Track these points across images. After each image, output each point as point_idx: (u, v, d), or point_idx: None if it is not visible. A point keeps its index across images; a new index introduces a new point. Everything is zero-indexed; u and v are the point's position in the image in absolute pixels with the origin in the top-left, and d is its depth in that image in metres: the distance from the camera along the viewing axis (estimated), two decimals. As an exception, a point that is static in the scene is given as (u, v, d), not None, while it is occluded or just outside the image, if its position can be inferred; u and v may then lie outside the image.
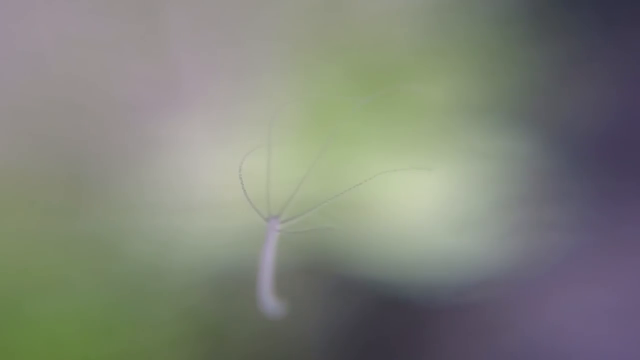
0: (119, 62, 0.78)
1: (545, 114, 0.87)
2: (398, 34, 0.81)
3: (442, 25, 0.83)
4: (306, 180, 0.71)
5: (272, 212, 0.70)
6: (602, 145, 0.90)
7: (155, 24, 0.78)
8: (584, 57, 0.87)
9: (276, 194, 0.71)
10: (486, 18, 0.83)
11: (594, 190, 0.88)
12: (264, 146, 0.72)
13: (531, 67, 0.85)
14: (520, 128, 0.85)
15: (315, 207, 0.72)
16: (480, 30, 0.83)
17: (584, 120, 0.87)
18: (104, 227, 0.79)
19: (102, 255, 0.80)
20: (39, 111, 0.79)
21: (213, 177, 0.77)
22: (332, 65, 0.80)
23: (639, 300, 0.89)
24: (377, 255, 0.81)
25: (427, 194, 0.81)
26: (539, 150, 0.85)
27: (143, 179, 0.79)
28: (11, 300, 0.80)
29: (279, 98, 0.78)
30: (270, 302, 0.67)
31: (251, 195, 0.71)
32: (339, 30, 0.80)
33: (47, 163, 0.80)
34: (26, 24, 0.77)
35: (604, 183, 0.88)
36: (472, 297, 0.84)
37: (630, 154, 0.90)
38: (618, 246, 0.90)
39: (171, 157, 0.79)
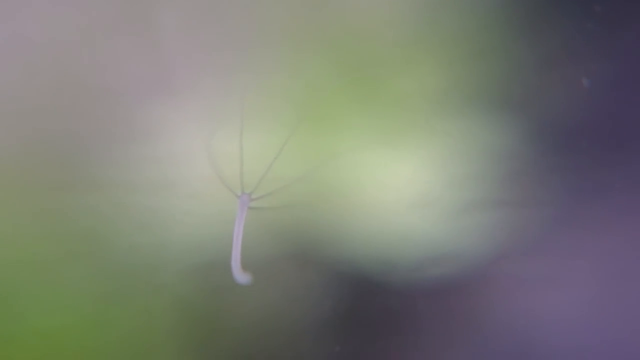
0: (111, 51, 0.81)
1: (513, 98, 0.90)
2: (380, 23, 0.84)
3: (425, 14, 0.86)
4: (278, 162, 0.76)
5: (245, 189, 0.75)
6: (561, 126, 0.94)
7: (146, 13, 0.81)
8: (552, 45, 0.90)
9: (249, 174, 0.75)
10: (470, 8, 0.86)
11: (548, 168, 0.91)
12: (236, 123, 0.76)
13: (506, 53, 0.89)
14: (483, 111, 0.89)
15: (284, 184, 0.76)
16: (463, 19, 0.86)
17: (546, 102, 0.90)
18: (95, 218, 0.82)
19: (93, 246, 0.82)
20: (30, 100, 0.81)
21: (196, 162, 0.80)
22: (317, 55, 0.83)
23: (599, 275, 0.91)
24: (349, 236, 0.85)
25: (393, 175, 0.85)
26: (498, 131, 0.88)
27: (132, 164, 0.82)
28: (3, 292, 0.82)
29: (264, 87, 0.81)
30: (239, 272, 0.73)
31: (225, 175, 0.76)
32: (326, 22, 0.83)
33: (37, 152, 0.81)
34: (20, 13, 0.79)
35: (558, 161, 0.91)
36: (429, 274, 0.87)
37: (586, 132, 0.92)
38: (573, 223, 0.93)
39: (159, 143, 0.82)
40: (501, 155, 0.88)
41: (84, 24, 0.80)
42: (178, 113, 0.82)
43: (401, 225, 0.85)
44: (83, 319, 0.83)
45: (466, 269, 0.88)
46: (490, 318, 0.89)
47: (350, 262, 0.84)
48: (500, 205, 0.88)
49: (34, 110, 0.81)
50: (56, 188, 0.82)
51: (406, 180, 0.85)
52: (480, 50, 0.87)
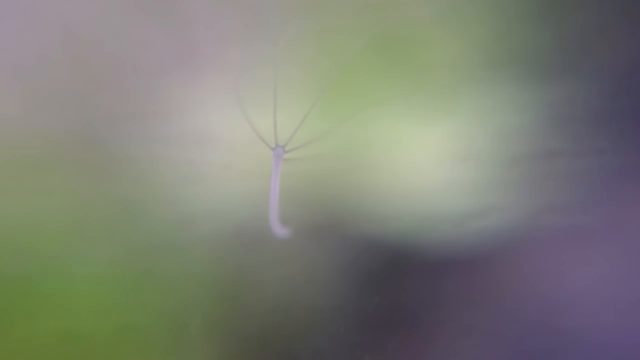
0: (136, 27, 0.82)
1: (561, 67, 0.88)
2: None
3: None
4: (311, 117, 0.76)
5: (279, 143, 0.76)
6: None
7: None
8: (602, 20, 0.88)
9: (283, 128, 0.76)
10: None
11: (602, 114, 0.89)
12: (267, 84, 0.77)
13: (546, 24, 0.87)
14: (532, 64, 0.87)
15: (317, 137, 0.77)
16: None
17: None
18: (123, 190, 0.83)
19: (122, 217, 0.84)
20: (54, 85, 0.84)
21: (225, 134, 0.82)
22: (344, 29, 0.83)
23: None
24: (386, 191, 0.84)
25: (434, 127, 0.85)
26: (545, 80, 0.87)
27: (158, 140, 0.83)
28: (28, 272, 0.83)
29: (293, 55, 0.82)
30: (277, 225, 0.74)
31: (259, 129, 0.77)
32: None
33: (62, 136, 0.84)
34: (36, 4, 0.81)
35: (613, 106, 0.89)
36: (472, 228, 0.86)
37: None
38: (632, 172, 0.90)
39: (185, 118, 0.83)
40: (551, 104, 0.86)
41: (108, 4, 0.82)
42: (206, 85, 0.83)
43: (442, 178, 0.84)
44: (107, 293, 0.85)
45: (512, 224, 0.86)
46: (537, 274, 0.88)
47: (388, 217, 0.84)
48: (551, 155, 0.86)
49: (62, 90, 0.83)
50: (91, 173, 0.84)
51: (448, 132, 0.84)
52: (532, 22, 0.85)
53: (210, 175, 0.83)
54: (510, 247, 0.86)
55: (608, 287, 0.87)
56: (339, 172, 0.82)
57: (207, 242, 0.83)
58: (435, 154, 0.84)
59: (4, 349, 0.83)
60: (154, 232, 0.84)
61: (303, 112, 0.77)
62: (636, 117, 0.88)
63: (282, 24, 0.82)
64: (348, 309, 0.85)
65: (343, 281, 0.85)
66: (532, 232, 0.87)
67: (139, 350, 0.83)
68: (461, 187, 0.85)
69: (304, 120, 0.77)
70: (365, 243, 0.84)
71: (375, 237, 0.84)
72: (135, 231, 0.84)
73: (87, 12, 0.82)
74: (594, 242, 0.89)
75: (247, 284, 0.85)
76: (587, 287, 0.88)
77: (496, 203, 0.86)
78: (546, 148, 0.86)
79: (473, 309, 0.86)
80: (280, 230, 0.74)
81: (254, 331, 0.84)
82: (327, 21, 0.83)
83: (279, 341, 0.85)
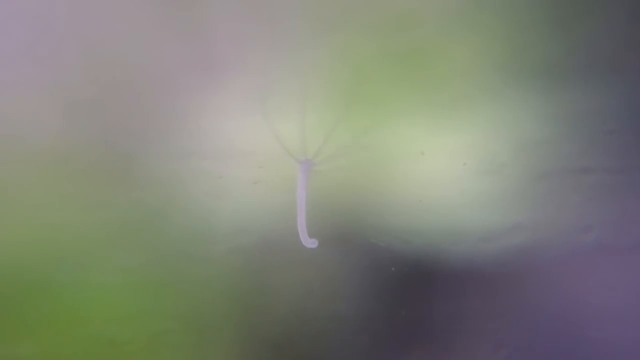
0: (156, 34, 0.83)
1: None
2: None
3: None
4: (336, 132, 0.77)
5: (307, 156, 0.77)
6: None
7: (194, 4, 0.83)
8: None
9: (309, 143, 0.77)
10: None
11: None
12: (291, 97, 0.78)
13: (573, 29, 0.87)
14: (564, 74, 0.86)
15: (343, 150, 0.78)
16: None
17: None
18: (145, 194, 0.84)
19: (149, 227, 0.85)
20: (80, 82, 0.85)
21: (246, 139, 0.82)
22: (363, 39, 0.84)
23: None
24: (411, 204, 0.84)
25: (459, 140, 0.85)
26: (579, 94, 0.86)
27: (179, 144, 0.84)
28: (53, 277, 0.84)
29: (311, 67, 0.82)
30: (306, 236, 0.76)
31: (287, 144, 0.78)
32: (369, 6, 0.84)
33: (91, 144, 0.85)
34: (70, 4, 0.82)
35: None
36: (500, 245, 0.85)
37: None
38: None
39: (206, 123, 0.84)
40: (582, 117, 0.85)
41: (131, 14, 0.83)
42: (230, 99, 0.84)
43: (469, 192, 0.84)
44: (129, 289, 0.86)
45: (539, 241, 0.85)
46: (564, 291, 0.87)
47: (411, 231, 0.84)
48: (583, 172, 0.85)
49: (85, 102, 0.84)
50: (113, 177, 0.85)
51: (473, 145, 0.84)
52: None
53: (236, 189, 0.83)
54: (536, 263, 0.85)
55: (634, 302, 0.86)
56: (363, 185, 0.83)
57: (232, 253, 0.84)
58: (460, 166, 0.83)
59: (37, 356, 0.84)
60: (179, 243, 0.84)
61: (326, 123, 0.78)
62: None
63: (304, 38, 0.83)
64: (371, 320, 0.85)
65: (366, 292, 0.85)
66: (559, 249, 0.86)
67: (164, 357, 0.84)
68: (487, 202, 0.84)
69: (331, 134, 0.77)
70: (389, 256, 0.84)
71: (399, 250, 0.84)
72: (161, 241, 0.85)
73: (109, 25, 0.83)
74: (624, 260, 0.88)
75: (270, 294, 0.85)
76: (615, 304, 0.87)
77: (522, 219, 0.85)
78: (576, 163, 0.85)
79: (497, 324, 0.86)
80: (308, 241, 0.75)
81: (276, 340, 0.85)
82: (348, 34, 0.83)
83: (301, 350, 0.85)
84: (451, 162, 0.83)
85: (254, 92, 0.81)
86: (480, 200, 0.84)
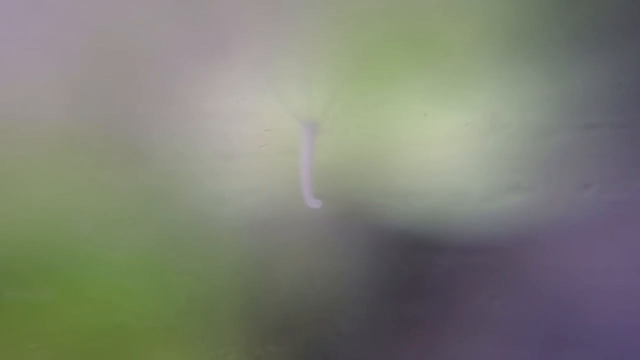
0: (168, 31, 0.83)
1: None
2: None
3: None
4: (341, 97, 0.78)
5: (312, 119, 0.78)
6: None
7: None
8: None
9: (314, 108, 0.78)
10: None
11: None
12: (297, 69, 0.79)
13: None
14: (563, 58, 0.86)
15: (349, 115, 0.79)
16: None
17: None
18: (156, 167, 0.84)
19: (151, 214, 0.85)
20: (96, 76, 0.85)
21: (252, 103, 0.83)
22: (364, 18, 0.83)
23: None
24: (416, 167, 0.85)
25: (462, 100, 0.85)
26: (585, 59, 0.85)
27: (189, 136, 0.85)
28: (65, 255, 0.85)
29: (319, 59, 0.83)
30: (310, 196, 0.78)
31: (293, 108, 0.79)
32: None
33: (101, 126, 0.84)
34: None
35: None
36: (502, 204, 0.85)
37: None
38: None
39: (216, 120, 0.85)
40: (588, 74, 0.84)
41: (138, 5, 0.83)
42: (235, 68, 0.84)
43: (471, 152, 0.84)
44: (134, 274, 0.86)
45: (543, 201, 0.86)
46: (569, 254, 0.87)
47: (415, 192, 0.84)
48: (587, 127, 0.84)
49: (91, 80, 0.84)
50: (125, 165, 0.85)
51: (476, 105, 0.84)
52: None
53: (244, 151, 0.85)
54: (537, 221, 0.86)
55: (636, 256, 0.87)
56: (367, 147, 0.84)
57: (238, 219, 0.85)
58: (462, 126, 0.84)
59: (46, 340, 0.85)
60: (188, 211, 0.85)
61: (331, 87, 0.79)
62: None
63: (309, 7, 0.83)
64: (374, 277, 0.86)
65: (369, 251, 0.86)
66: (560, 207, 0.86)
67: (170, 337, 0.85)
68: (489, 162, 0.84)
69: (335, 96, 0.79)
70: (393, 220, 0.85)
71: (402, 214, 0.85)
72: (170, 211, 0.86)
73: (115, 11, 0.84)
74: (625, 215, 0.88)
75: (273, 271, 0.87)
76: (614, 258, 0.87)
77: (524, 178, 0.85)
78: (579, 120, 0.84)
79: (494, 277, 0.87)
80: (312, 202, 0.77)
81: (283, 296, 0.86)
82: (352, 6, 0.84)
83: (307, 306, 0.88)
84: (453, 123, 0.84)
85: (260, 58, 0.82)
86: (482, 161, 0.84)
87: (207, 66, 0.84)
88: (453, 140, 0.84)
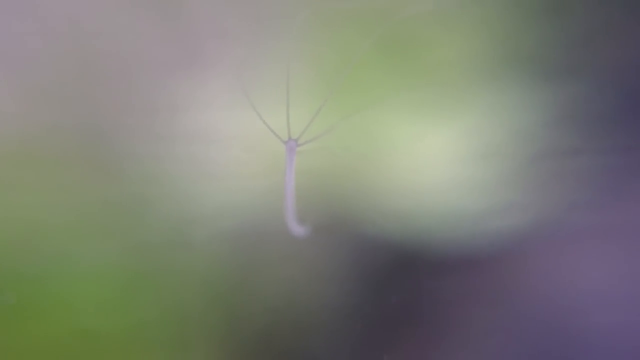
0: (138, 25, 0.81)
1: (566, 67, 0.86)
2: None
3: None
4: (322, 112, 0.75)
5: (292, 136, 0.74)
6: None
7: None
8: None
9: (294, 124, 0.75)
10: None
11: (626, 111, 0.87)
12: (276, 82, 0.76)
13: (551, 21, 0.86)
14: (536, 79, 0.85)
15: (329, 130, 0.75)
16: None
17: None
18: (127, 188, 0.82)
19: (125, 220, 0.83)
20: (57, 82, 0.83)
21: (232, 133, 0.80)
22: (348, 29, 0.82)
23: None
24: (402, 188, 0.82)
25: (441, 147, 0.83)
26: (568, 77, 0.85)
27: (165, 137, 0.82)
28: (35, 267, 0.83)
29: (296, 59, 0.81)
30: (294, 223, 0.72)
31: (271, 124, 0.75)
32: None
33: (67, 133, 0.82)
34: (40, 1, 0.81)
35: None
36: (494, 226, 0.84)
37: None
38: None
39: (190, 118, 0.82)
40: (569, 101, 0.85)
41: (106, 6, 0.82)
42: (213, 82, 0.82)
43: (458, 176, 0.83)
44: (107, 293, 0.83)
45: (530, 223, 0.84)
46: (555, 273, 0.86)
47: (403, 215, 0.82)
48: (574, 153, 0.84)
49: (67, 86, 0.82)
50: (95, 173, 0.83)
51: (463, 129, 0.83)
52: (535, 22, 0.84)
53: (219, 173, 0.81)
54: (527, 245, 0.84)
55: (628, 285, 0.86)
56: (353, 169, 0.81)
57: (214, 241, 0.82)
58: (450, 151, 0.82)
59: (15, 347, 0.82)
60: (161, 230, 0.82)
61: (311, 107, 0.76)
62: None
63: (289, 20, 0.81)
64: (362, 307, 0.83)
65: (356, 279, 0.83)
66: (550, 230, 0.85)
67: (144, 348, 0.82)
68: (478, 186, 0.83)
69: (317, 113, 0.75)
70: (380, 241, 0.83)
71: (390, 235, 0.82)
72: (141, 229, 0.82)
73: (91, 9, 0.81)
74: (614, 240, 0.87)
75: (254, 283, 0.83)
76: (606, 285, 0.86)
77: (514, 202, 0.84)
78: (564, 145, 0.84)
79: (490, 308, 0.85)
80: (297, 229, 0.72)
81: (260, 329, 0.83)
82: (335, 16, 0.82)
83: (285, 340, 0.84)
84: (442, 143, 0.82)
85: (236, 75, 0.79)
86: (471, 184, 0.83)
87: (182, 81, 0.81)
88: (441, 160, 0.82)
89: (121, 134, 0.82)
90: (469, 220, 0.82)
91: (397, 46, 0.83)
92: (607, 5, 0.84)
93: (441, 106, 0.83)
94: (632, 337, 0.85)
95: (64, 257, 0.82)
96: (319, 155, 0.77)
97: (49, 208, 0.82)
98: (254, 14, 0.81)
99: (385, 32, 0.81)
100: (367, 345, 0.84)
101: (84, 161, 0.82)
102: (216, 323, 0.83)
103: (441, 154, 0.82)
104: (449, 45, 0.82)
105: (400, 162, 0.82)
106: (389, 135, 0.82)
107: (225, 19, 0.81)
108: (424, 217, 0.82)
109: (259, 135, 0.77)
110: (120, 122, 0.82)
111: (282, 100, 0.75)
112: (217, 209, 0.81)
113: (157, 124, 0.82)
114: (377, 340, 0.84)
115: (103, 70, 0.82)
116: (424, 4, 0.81)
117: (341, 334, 0.83)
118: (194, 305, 0.83)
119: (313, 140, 0.73)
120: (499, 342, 0.84)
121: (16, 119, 0.82)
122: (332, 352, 0.84)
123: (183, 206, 0.81)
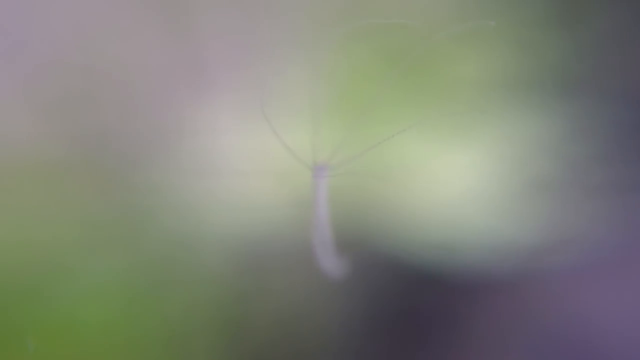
0: (142, 45, 0.78)
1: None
2: (428, 10, 0.80)
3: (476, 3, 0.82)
4: (348, 135, 0.71)
5: (317, 162, 0.68)
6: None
7: (178, 6, 0.78)
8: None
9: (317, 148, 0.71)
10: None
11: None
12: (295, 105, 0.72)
13: (571, 39, 0.84)
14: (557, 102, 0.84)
15: (358, 154, 0.71)
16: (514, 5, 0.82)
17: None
18: (129, 210, 0.79)
19: (126, 238, 0.79)
20: (60, 93, 0.79)
21: (240, 156, 0.77)
22: (360, 44, 0.79)
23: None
24: (412, 230, 0.80)
25: (464, 169, 0.80)
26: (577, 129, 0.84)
27: (168, 160, 0.79)
28: (36, 282, 0.80)
29: (305, 78, 0.77)
30: (329, 259, 0.59)
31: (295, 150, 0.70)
32: (366, 9, 0.80)
33: (70, 145, 0.79)
34: (44, 10, 0.78)
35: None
36: (509, 274, 0.82)
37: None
38: None
39: (196, 139, 0.79)
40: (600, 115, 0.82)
41: (112, 18, 0.78)
42: (218, 107, 0.79)
43: (481, 192, 0.81)
44: (110, 311, 0.80)
45: (556, 242, 0.82)
46: (567, 328, 0.84)
47: (426, 244, 0.79)
48: (624, 188, 0.82)
49: (71, 100, 0.79)
50: (97, 193, 0.79)
51: (488, 158, 0.80)
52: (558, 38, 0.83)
53: (230, 197, 0.78)
54: (551, 266, 0.83)
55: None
56: (386, 197, 0.77)
57: (218, 258, 0.78)
58: (470, 167, 0.80)
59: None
60: (166, 245, 0.78)
61: (330, 129, 0.72)
62: None
63: (310, 39, 0.77)
64: (373, 328, 0.81)
65: (373, 302, 0.80)
66: (573, 251, 0.83)
67: None
68: (499, 203, 0.80)
69: (346, 137, 0.71)
70: (402, 269, 0.80)
71: (410, 263, 0.79)
72: (146, 244, 0.79)
73: (99, 20, 0.78)
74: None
75: (260, 301, 0.79)
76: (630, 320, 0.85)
77: (537, 218, 0.82)
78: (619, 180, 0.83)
79: (508, 336, 0.83)
80: (333, 266, 0.59)
81: (264, 345, 0.79)
82: (350, 40, 0.79)
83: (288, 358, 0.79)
84: (462, 162, 0.79)
85: (255, 101, 0.75)
86: (492, 201, 0.80)
87: (194, 96, 0.77)
88: (461, 180, 0.79)
89: (131, 151, 0.79)
90: (486, 249, 0.80)
91: (416, 69, 0.80)
92: (630, 17, 0.83)
93: (460, 126, 0.80)
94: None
95: (69, 271, 0.79)
96: (346, 182, 0.73)
97: (54, 222, 0.79)
98: (273, 32, 0.78)
99: (418, 54, 0.77)
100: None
101: (88, 173, 0.78)
102: (220, 338, 0.80)
103: (461, 172, 0.80)
104: (470, 69, 0.80)
105: (435, 190, 0.79)
106: (414, 160, 0.79)
107: (243, 36, 0.78)
108: (447, 235, 0.79)
109: (278, 160, 0.73)
110: (130, 140, 0.79)
111: (301, 121, 0.71)
112: (223, 226, 0.77)
113: (171, 151, 0.78)
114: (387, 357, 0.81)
115: (111, 83, 0.78)
116: (458, 25, 0.78)
117: (355, 352, 0.81)
118: (197, 320, 0.80)
119: (346, 164, 0.69)
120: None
121: (23, 132, 0.77)
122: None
123: (188, 221, 0.77)
